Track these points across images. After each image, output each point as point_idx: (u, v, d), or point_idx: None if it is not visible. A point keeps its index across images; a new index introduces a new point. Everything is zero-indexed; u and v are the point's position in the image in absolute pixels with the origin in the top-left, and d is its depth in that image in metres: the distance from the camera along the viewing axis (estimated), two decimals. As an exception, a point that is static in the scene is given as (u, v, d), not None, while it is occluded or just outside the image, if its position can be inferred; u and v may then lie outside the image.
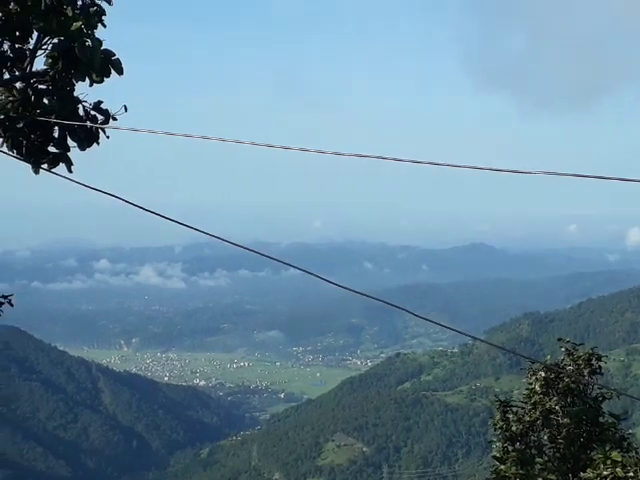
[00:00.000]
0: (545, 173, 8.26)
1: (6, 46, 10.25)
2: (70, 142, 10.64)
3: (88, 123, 10.53)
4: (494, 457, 23.11)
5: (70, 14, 9.95)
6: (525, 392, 23.42)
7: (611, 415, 22.95)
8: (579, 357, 23.35)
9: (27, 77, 10.32)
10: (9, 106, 10.26)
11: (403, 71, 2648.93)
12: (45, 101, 10.38)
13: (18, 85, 10.31)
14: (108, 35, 10.22)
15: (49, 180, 10.96)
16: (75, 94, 10.52)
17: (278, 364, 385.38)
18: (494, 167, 8.48)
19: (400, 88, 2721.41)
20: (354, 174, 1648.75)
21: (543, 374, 23.00)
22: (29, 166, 10.65)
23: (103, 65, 10.18)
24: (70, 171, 10.63)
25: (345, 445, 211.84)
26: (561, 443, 22.48)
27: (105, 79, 10.35)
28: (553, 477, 21.87)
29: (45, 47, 10.27)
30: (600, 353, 23.82)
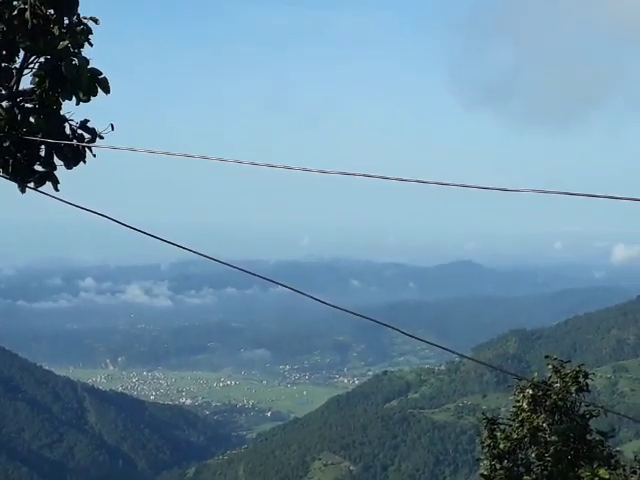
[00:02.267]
0: (534, 191, 8.29)
1: (-7, 65, 10.24)
2: (57, 161, 10.63)
3: (75, 142, 10.52)
4: (482, 475, 23.08)
5: (57, 33, 9.96)
6: (512, 410, 23.42)
7: (599, 432, 22.97)
8: (566, 374, 23.37)
9: (14, 96, 10.31)
10: (-5, 125, 10.24)
11: (389, 90, 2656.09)
12: (32, 120, 10.37)
13: (4, 104, 10.30)
14: (95, 54, 10.24)
15: (35, 199, 10.92)
16: (62, 113, 10.52)
17: (265, 382, 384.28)
18: (482, 185, 8.51)
19: (387, 107, 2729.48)
20: (341, 192, 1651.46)
21: (530, 391, 23.01)
22: (15, 185, 10.62)
23: (90, 84, 10.18)
24: (57, 190, 10.61)
25: (332, 464, 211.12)
26: (549, 461, 22.47)
27: (92, 98, 10.36)
28: (541, 495, 21.88)
29: (32, 66, 10.26)
30: (587, 370, 23.85)
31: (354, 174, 9.08)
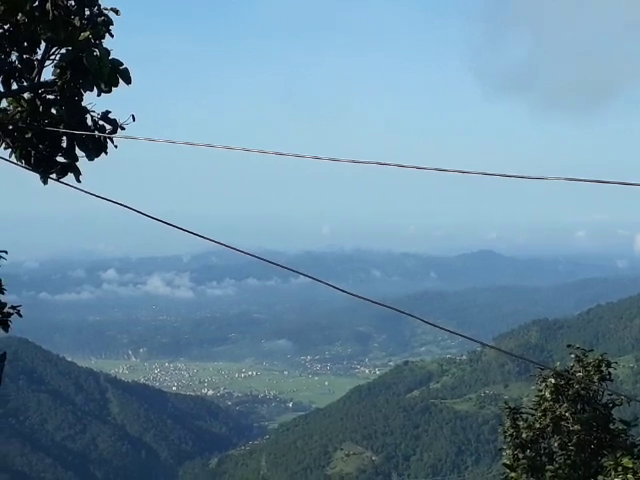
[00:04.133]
0: (557, 179, 8.24)
1: (14, 57, 10.28)
2: (78, 152, 10.66)
3: (96, 133, 10.55)
4: (504, 464, 23.05)
5: (78, 24, 9.98)
6: (535, 399, 23.36)
7: (622, 422, 22.87)
8: (588, 363, 23.28)
9: (35, 87, 10.35)
10: (17, 116, 10.29)
11: (411, 81, 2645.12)
12: (53, 111, 10.41)
13: (26, 95, 10.34)
14: (116, 45, 10.26)
15: (57, 190, 10.97)
16: (83, 104, 10.55)
17: (286, 373, 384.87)
18: (504, 173, 8.46)
19: (408, 97, 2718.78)
20: (361, 182, 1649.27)
21: (553, 381, 22.94)
22: (37, 176, 10.67)
23: (111, 75, 10.21)
24: (78, 181, 10.65)
25: (354, 454, 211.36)
26: (572, 450, 22.41)
27: (113, 89, 10.38)
28: (564, 484, 21.82)
29: (53, 57, 10.29)
30: (609, 359, 23.76)
31: (345, 160, 9.05)
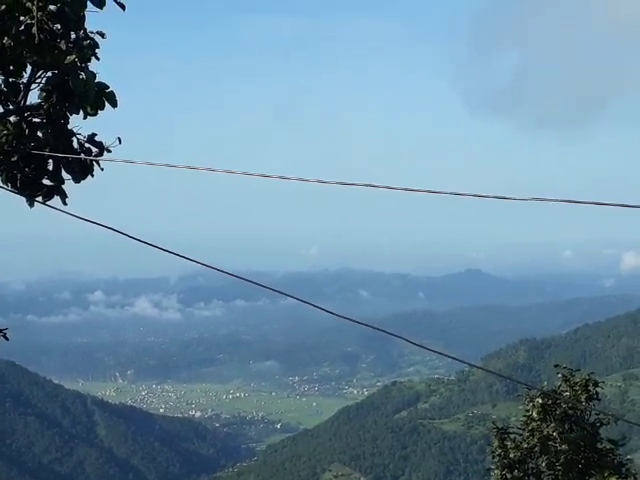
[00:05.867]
0: (535, 200, 8.28)
1: (0, 80, 10.31)
2: (64, 175, 10.67)
3: (82, 156, 10.57)
4: (493, 485, 23.03)
5: (64, 48, 10.01)
6: (522, 419, 23.39)
7: (609, 441, 22.92)
8: (576, 383, 23.34)
9: (21, 111, 10.36)
10: (3, 140, 10.30)
11: (395, 100, 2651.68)
12: (39, 134, 10.42)
13: (12, 119, 10.35)
14: (102, 68, 10.30)
15: (44, 213, 10.96)
16: (69, 127, 10.57)
17: (274, 394, 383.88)
18: (492, 194, 8.51)
19: (393, 117, 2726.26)
20: (348, 202, 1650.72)
21: (540, 400, 22.98)
22: (24, 199, 10.67)
23: (97, 98, 10.24)
24: (65, 203, 10.64)
25: (342, 475, 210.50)
26: (559, 470, 22.43)
27: (99, 112, 10.41)
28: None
29: (39, 81, 10.32)
30: (597, 379, 23.82)
31: (332, 182, 9.06)
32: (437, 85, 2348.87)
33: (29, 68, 10.27)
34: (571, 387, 23.26)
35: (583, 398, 23.10)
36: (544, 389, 24.26)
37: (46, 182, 10.68)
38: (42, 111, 10.34)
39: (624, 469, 22.46)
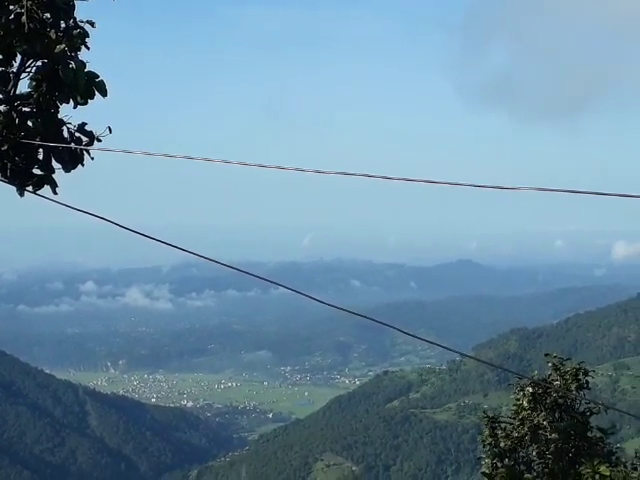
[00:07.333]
0: (530, 189, 8.32)
1: (-11, 69, 10.28)
2: (55, 164, 10.66)
3: (72, 145, 10.55)
4: (483, 473, 23.12)
5: (53, 37, 9.99)
6: (513, 408, 23.45)
7: (599, 430, 23.02)
8: (566, 372, 23.41)
9: (11, 100, 10.34)
10: (-7, 129, 10.27)
11: (390, 93, 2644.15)
12: (29, 124, 10.40)
13: (2, 108, 10.33)
14: (92, 55, 10.27)
15: (34, 203, 10.96)
16: (59, 116, 10.55)
17: (266, 384, 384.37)
18: (483, 184, 8.53)
19: (388, 110, 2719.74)
20: (342, 193, 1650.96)
21: (530, 390, 23.04)
22: (14, 189, 10.65)
23: (87, 87, 10.22)
24: (55, 193, 10.63)
25: (334, 464, 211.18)
26: (550, 458, 22.51)
27: (89, 101, 10.39)
28: (542, 493, 21.91)
29: (29, 70, 10.29)
30: (587, 368, 23.89)
31: (330, 172, 9.08)
32: (430, 78, 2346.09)
33: (19, 57, 10.25)
34: (561, 376, 23.32)
35: (573, 387, 23.17)
36: (535, 378, 24.32)
37: (36, 171, 10.66)
38: (32, 100, 10.32)
39: (614, 457, 22.57)
